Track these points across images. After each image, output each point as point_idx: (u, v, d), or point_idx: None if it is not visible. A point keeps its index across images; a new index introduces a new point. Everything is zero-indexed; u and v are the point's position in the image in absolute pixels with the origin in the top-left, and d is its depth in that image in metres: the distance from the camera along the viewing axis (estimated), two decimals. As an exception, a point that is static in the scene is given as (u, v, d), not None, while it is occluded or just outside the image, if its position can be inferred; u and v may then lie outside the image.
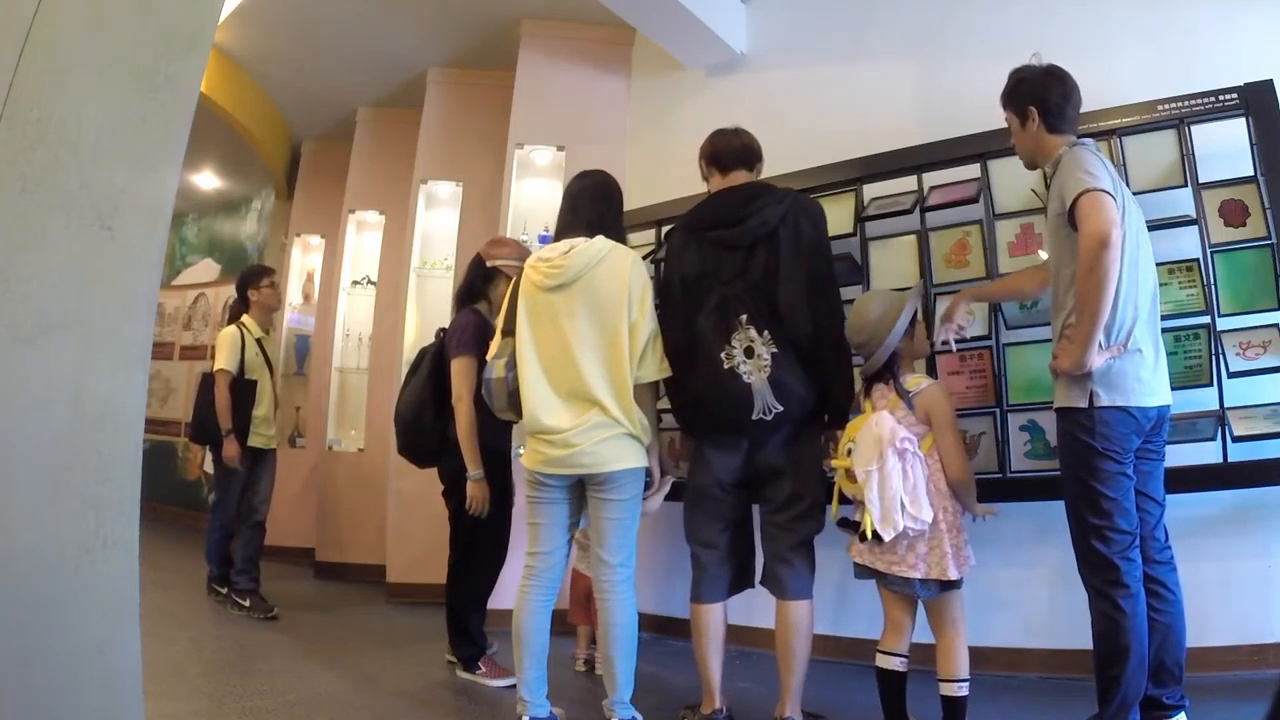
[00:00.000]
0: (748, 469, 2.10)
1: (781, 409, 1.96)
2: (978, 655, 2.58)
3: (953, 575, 1.90)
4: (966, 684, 1.93)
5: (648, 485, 2.15)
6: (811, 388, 2.01)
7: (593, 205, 2.19)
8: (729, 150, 2.23)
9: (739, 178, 2.20)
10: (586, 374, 2.02)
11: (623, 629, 2.05)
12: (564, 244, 2.11)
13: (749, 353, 1.98)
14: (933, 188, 2.74)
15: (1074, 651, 2.32)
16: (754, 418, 1.97)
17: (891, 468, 1.88)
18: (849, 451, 1.99)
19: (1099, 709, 1.80)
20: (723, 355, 1.99)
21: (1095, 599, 1.80)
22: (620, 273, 2.05)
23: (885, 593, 2.03)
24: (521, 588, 2.14)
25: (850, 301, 2.79)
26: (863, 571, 2.05)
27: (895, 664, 1.99)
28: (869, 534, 1.90)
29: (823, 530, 2.09)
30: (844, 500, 2.10)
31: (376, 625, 3.52)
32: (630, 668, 2.07)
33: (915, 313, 2.11)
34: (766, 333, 1.98)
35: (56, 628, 1.15)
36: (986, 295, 2.38)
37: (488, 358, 2.23)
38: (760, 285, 2.04)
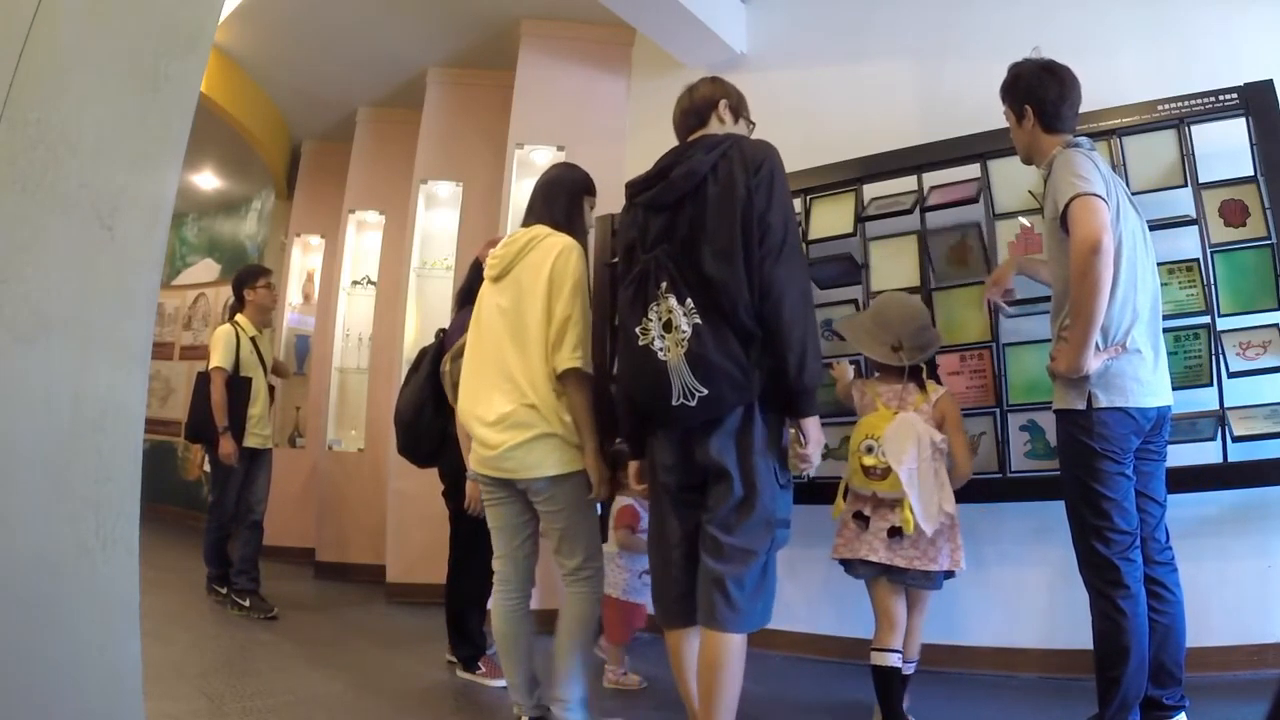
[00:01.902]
0: (690, 468, 1.76)
1: (706, 392, 1.63)
2: (977, 655, 2.59)
3: (963, 566, 2.03)
4: (916, 664, 2.12)
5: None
6: (750, 367, 1.65)
7: (543, 197, 2.15)
8: (676, 125, 1.97)
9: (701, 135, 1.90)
10: (511, 367, 1.96)
11: (575, 621, 1.98)
12: (511, 234, 2.12)
13: (667, 326, 1.67)
14: (933, 188, 2.74)
15: (1073, 651, 2.32)
16: (675, 403, 1.65)
17: (934, 466, 1.99)
18: (869, 449, 2.03)
19: (1099, 709, 1.79)
20: (638, 330, 1.71)
21: (1096, 599, 1.80)
22: (544, 260, 1.98)
23: (882, 589, 2.06)
24: (493, 594, 2.11)
25: (849, 302, 2.82)
26: (866, 569, 2.06)
27: (895, 660, 2.01)
28: (911, 529, 1.95)
29: (778, 548, 1.75)
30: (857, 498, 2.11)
31: (376, 625, 3.52)
32: (578, 663, 1.97)
33: None
34: (689, 301, 1.66)
35: (56, 628, 1.15)
36: (1031, 269, 2.27)
37: None
38: (686, 246, 1.72)
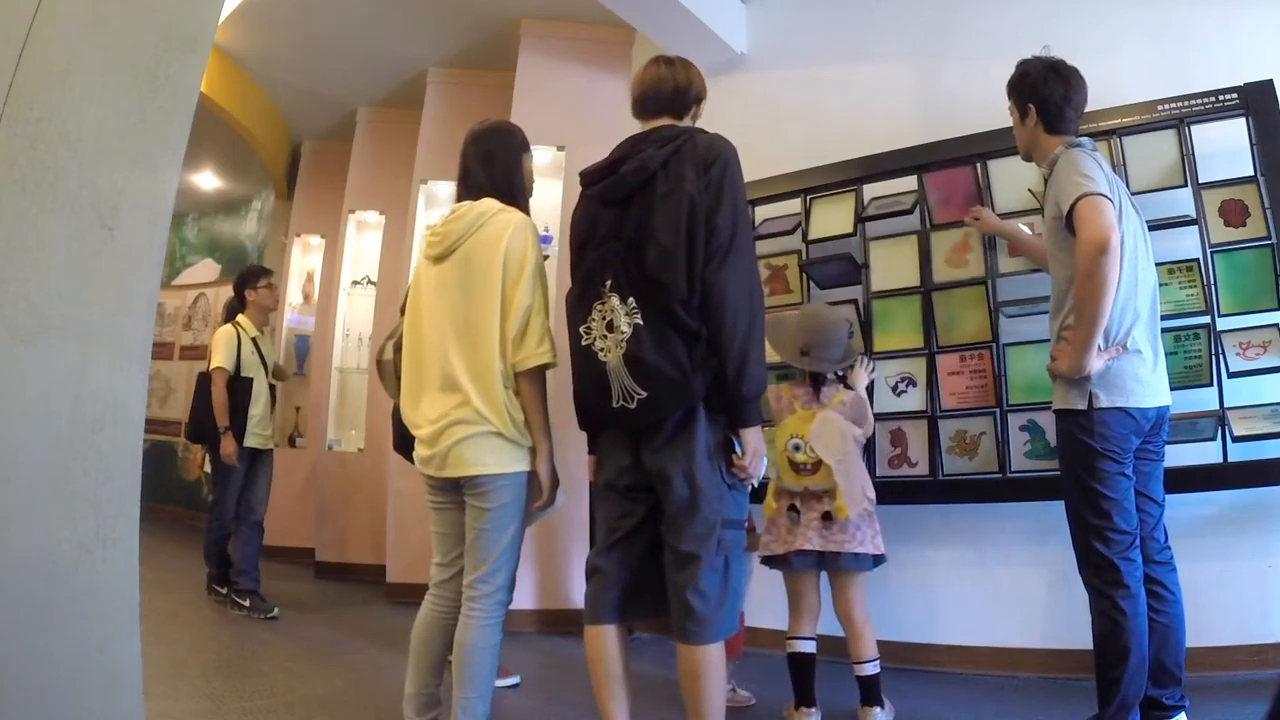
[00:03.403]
0: (637, 471, 1.70)
1: (645, 395, 1.58)
2: (977, 655, 2.60)
3: (883, 550, 2.15)
4: (879, 660, 2.11)
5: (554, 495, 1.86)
6: (693, 370, 1.58)
7: (480, 163, 1.90)
8: (655, 92, 1.81)
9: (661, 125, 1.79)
10: (454, 358, 1.78)
11: (469, 651, 1.75)
12: (453, 208, 1.91)
13: (610, 326, 1.63)
14: (929, 174, 2.75)
15: (1073, 651, 2.32)
16: (615, 406, 1.62)
17: (857, 457, 2.15)
18: (796, 447, 2.16)
19: (1099, 709, 1.80)
20: (581, 330, 1.68)
21: (1096, 599, 1.80)
22: (498, 238, 1.78)
23: (804, 580, 2.18)
24: (426, 599, 1.91)
25: (849, 302, 2.82)
26: (802, 559, 2.13)
27: (810, 648, 2.15)
28: (844, 515, 2.08)
29: (728, 549, 1.65)
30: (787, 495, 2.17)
31: (376, 625, 3.51)
32: (477, 698, 1.74)
33: None
34: (632, 300, 1.61)
35: (56, 628, 1.15)
36: (1013, 236, 2.46)
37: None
38: (632, 245, 1.66)
